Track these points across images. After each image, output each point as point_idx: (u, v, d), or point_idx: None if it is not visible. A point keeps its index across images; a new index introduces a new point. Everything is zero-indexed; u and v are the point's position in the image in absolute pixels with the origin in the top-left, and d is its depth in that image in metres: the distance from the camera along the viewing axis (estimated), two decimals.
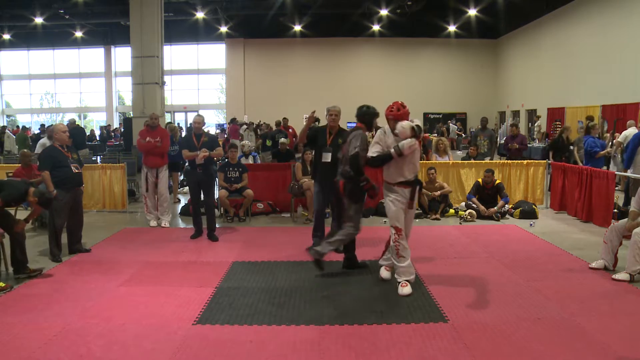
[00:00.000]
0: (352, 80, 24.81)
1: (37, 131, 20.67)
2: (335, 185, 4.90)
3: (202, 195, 6.57)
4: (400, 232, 4.48)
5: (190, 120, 19.06)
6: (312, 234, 5.88)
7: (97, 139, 20.76)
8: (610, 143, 9.92)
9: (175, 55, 26.15)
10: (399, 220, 4.50)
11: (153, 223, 7.37)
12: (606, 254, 4.99)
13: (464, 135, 20.08)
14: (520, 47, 21.90)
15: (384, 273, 4.87)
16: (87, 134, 19.73)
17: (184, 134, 13.48)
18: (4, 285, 4.57)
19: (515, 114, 22.25)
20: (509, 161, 9.03)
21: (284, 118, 14.28)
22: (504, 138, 16.31)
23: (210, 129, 21.73)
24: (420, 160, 8.74)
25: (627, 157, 7.81)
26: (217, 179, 7.32)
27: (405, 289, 4.43)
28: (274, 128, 13.88)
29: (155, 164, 7.34)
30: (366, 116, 4.93)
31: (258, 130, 20.45)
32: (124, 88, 27.30)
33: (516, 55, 22.53)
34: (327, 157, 5.56)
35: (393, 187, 4.51)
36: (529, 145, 14.05)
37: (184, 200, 9.31)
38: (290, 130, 12.92)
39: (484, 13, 21.17)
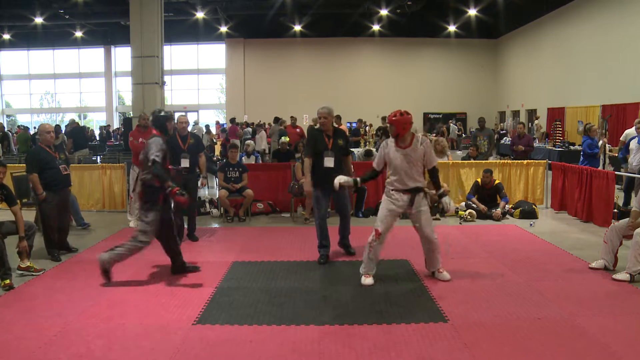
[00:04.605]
0: (352, 80, 24.84)
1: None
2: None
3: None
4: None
5: (190, 121, 19.05)
6: (319, 245, 5.48)
7: (97, 139, 20.75)
8: (604, 148, 9.99)
9: (175, 55, 26.16)
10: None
11: (133, 224, 7.34)
12: (606, 253, 4.99)
13: (464, 135, 20.09)
14: (520, 47, 21.91)
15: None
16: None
17: None
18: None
19: (515, 114, 22.26)
20: (509, 161, 9.02)
21: (291, 117, 14.42)
22: (507, 139, 16.34)
23: (212, 128, 21.70)
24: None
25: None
26: (217, 178, 7.32)
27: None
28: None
29: None
30: (157, 121, 4.98)
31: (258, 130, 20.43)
32: (124, 88, 27.33)
33: (516, 55, 22.54)
34: (330, 162, 5.37)
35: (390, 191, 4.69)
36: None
37: None
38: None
39: (484, 13, 21.18)
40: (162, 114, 5.03)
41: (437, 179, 4.76)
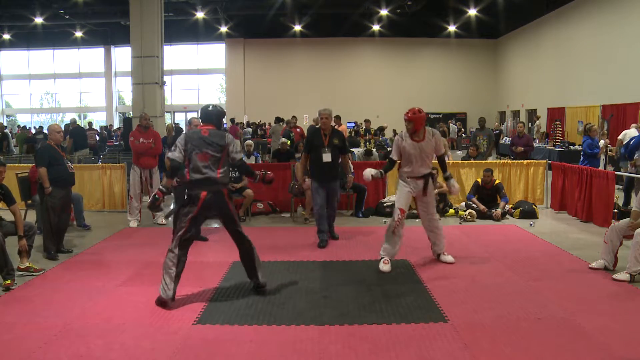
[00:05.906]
0: (352, 80, 24.84)
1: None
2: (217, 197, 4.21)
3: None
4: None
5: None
6: (318, 231, 6.16)
7: (97, 139, 20.71)
8: (606, 148, 10.00)
9: (175, 55, 26.16)
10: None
11: (133, 224, 7.34)
12: (606, 253, 4.98)
13: (464, 135, 20.08)
14: (520, 47, 21.91)
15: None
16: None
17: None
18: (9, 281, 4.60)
19: (515, 113, 22.26)
20: (509, 161, 9.01)
21: (293, 116, 14.42)
22: (506, 139, 16.33)
23: None
24: None
25: (632, 148, 7.78)
26: None
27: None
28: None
29: (149, 165, 7.43)
30: (212, 115, 4.40)
31: (258, 130, 20.45)
32: (124, 88, 27.33)
33: (516, 55, 22.54)
34: (328, 157, 6.04)
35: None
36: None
37: None
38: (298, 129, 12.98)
39: (484, 13, 21.17)
40: (211, 108, 4.44)
41: (444, 163, 5.36)
